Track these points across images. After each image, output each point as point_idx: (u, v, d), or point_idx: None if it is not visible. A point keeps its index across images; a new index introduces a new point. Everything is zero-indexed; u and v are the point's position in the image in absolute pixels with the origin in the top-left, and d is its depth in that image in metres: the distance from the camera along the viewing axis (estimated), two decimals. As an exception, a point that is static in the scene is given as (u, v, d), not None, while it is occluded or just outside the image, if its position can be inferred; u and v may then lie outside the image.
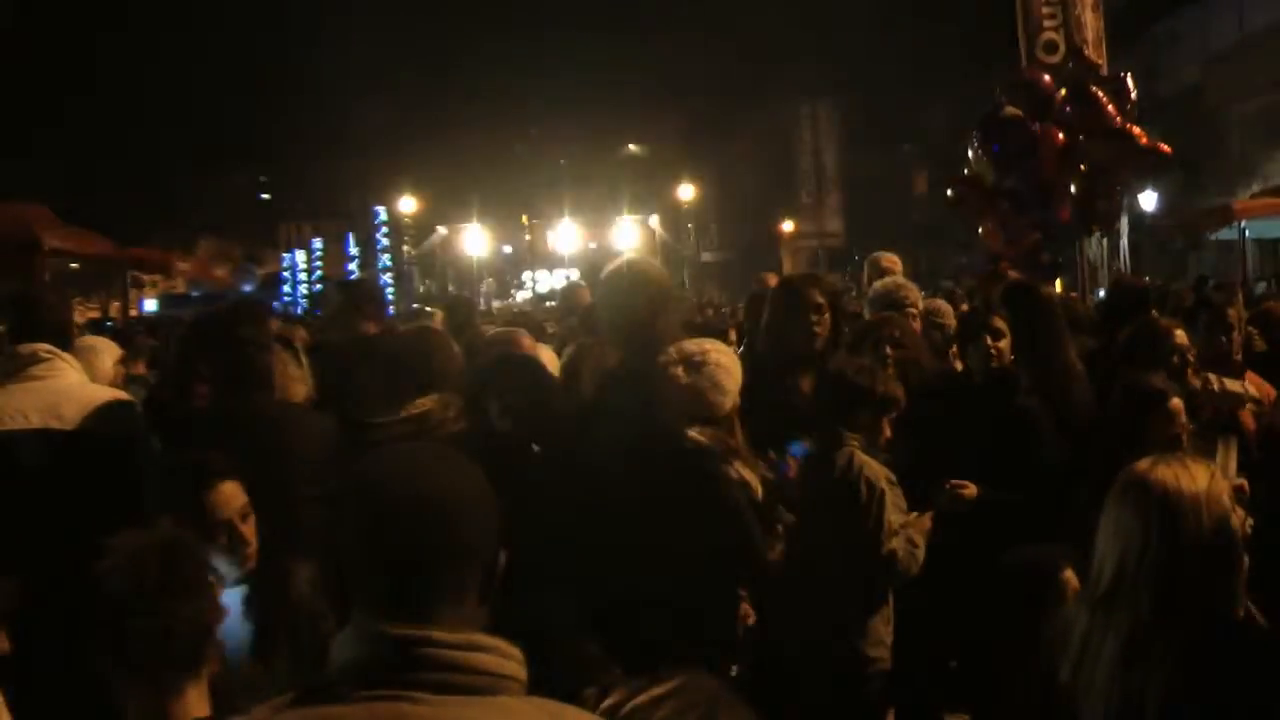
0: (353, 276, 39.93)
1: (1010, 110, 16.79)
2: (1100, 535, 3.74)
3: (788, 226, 58.82)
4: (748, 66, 60.27)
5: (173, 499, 4.43)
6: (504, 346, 7.44)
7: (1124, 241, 32.04)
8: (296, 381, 6.44)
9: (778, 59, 58.58)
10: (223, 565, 4.46)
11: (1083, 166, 16.34)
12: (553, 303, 35.01)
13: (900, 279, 8.50)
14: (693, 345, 5.67)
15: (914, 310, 7.98)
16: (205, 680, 3.35)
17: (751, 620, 5.61)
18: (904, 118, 59.79)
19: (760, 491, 5.69)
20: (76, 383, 6.01)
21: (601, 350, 7.43)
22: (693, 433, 5.45)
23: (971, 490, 6.45)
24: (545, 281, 52.59)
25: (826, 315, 6.89)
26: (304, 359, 6.62)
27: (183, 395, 7.47)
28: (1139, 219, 35.48)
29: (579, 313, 10.03)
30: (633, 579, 5.09)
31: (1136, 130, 16.65)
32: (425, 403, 6.21)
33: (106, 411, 5.90)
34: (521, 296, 44.63)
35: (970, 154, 17.70)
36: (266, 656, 4.44)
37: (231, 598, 4.51)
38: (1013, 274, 11.31)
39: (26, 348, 5.91)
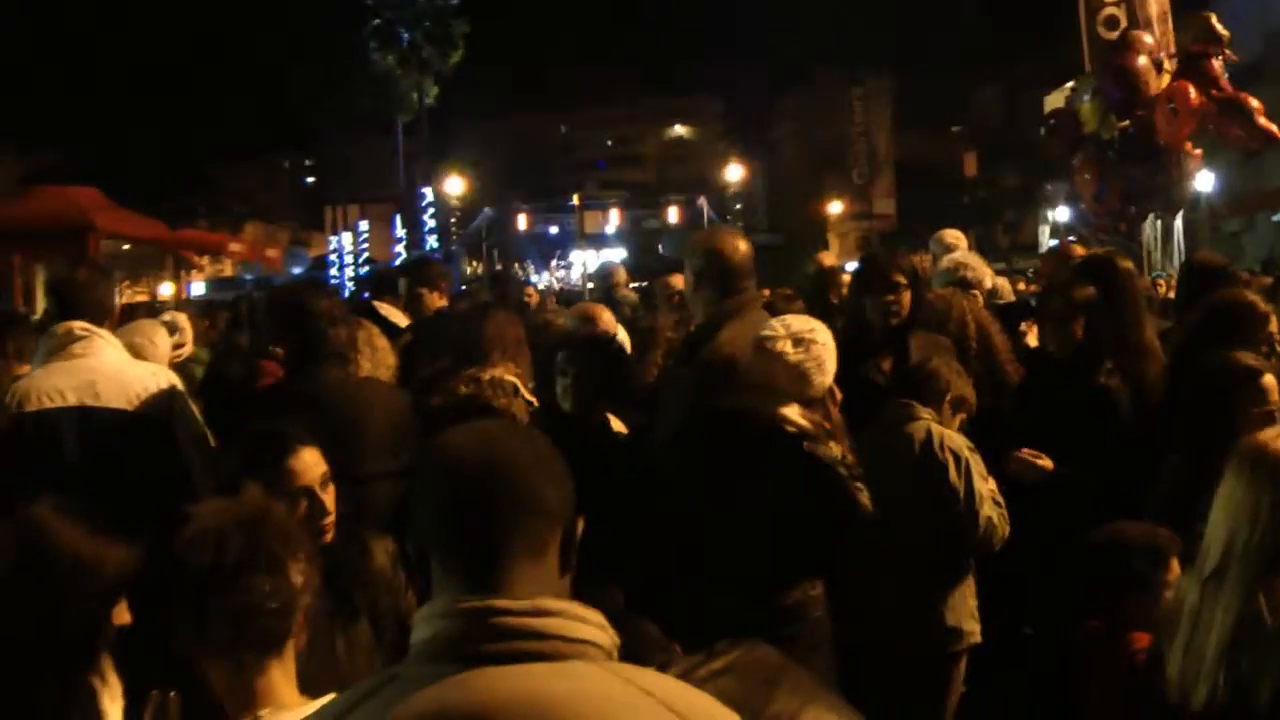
0: (411, 255, 39.82)
1: (1141, 60, 16.60)
2: (1213, 510, 3.60)
3: (835, 208, 58.60)
4: (797, 49, 60.17)
5: (252, 466, 4.24)
6: (582, 324, 7.34)
7: (1178, 222, 31.72)
8: (383, 354, 6.39)
9: (827, 41, 58.48)
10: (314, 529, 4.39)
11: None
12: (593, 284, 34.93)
13: (967, 256, 8.31)
14: (800, 322, 5.51)
15: (978, 291, 7.79)
16: (291, 658, 3.21)
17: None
18: (954, 99, 59.54)
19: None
20: (114, 360, 5.91)
21: (661, 334, 7.35)
22: (790, 411, 5.32)
23: (1047, 463, 6.30)
24: (592, 262, 52.46)
25: (906, 294, 6.71)
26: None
27: (251, 373, 7.44)
28: (1194, 199, 35.07)
29: (617, 293, 10.00)
30: (709, 555, 5.05)
31: (1255, 103, 16.43)
32: (476, 377, 6.22)
33: (144, 388, 5.81)
34: (564, 276, 44.48)
35: (1085, 99, 17.51)
36: (347, 632, 4.38)
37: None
38: (1079, 250, 11.05)
39: (62, 326, 5.84)
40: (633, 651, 3.14)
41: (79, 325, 5.82)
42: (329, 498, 4.33)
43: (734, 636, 3.08)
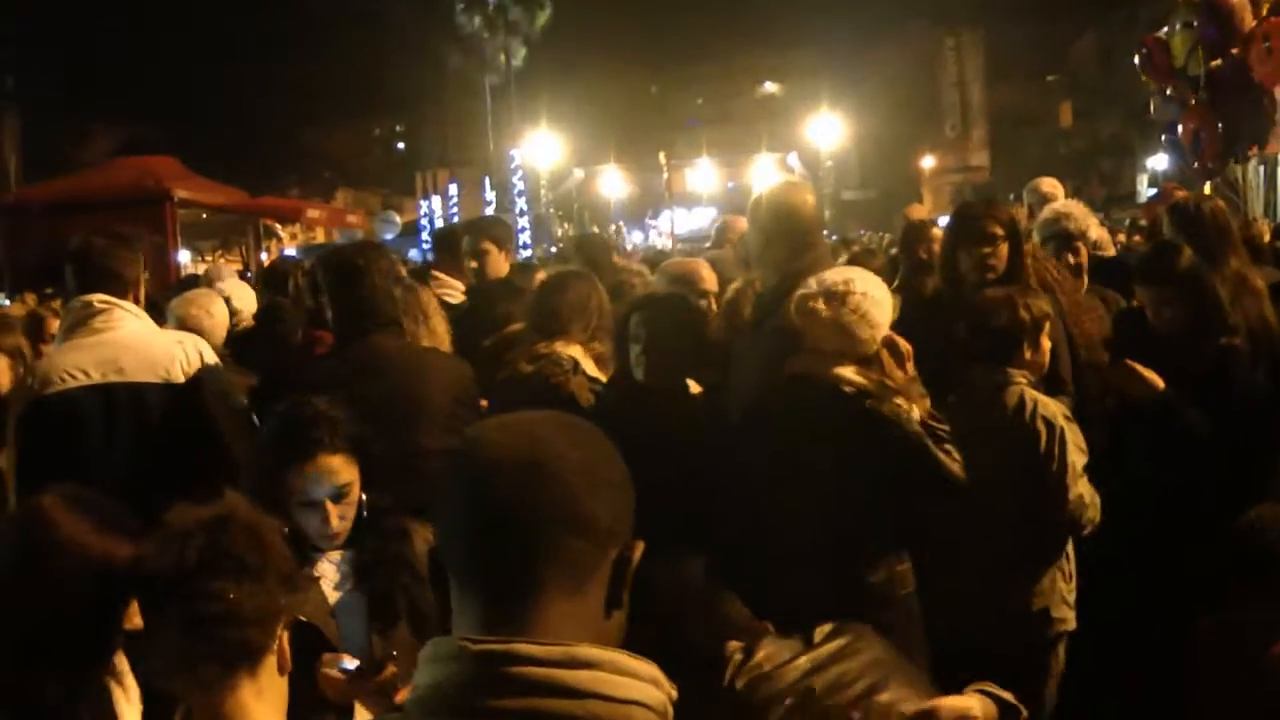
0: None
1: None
2: None
3: (928, 162, 58.04)
4: (889, 1, 59.48)
5: (275, 464, 4.10)
6: (680, 283, 6.92)
7: (1281, 168, 30.98)
8: (437, 320, 6.19)
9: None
10: (319, 537, 4.14)
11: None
12: (683, 245, 34.70)
13: (1069, 205, 7.82)
14: (834, 275, 5.11)
15: (1081, 241, 7.31)
16: (270, 676, 2.86)
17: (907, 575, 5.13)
18: (1048, 49, 58.74)
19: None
20: (137, 331, 5.65)
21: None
22: (845, 371, 4.94)
23: (1156, 379, 5.90)
24: (684, 221, 52.23)
25: (1003, 246, 6.26)
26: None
27: (306, 341, 7.19)
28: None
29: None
30: (783, 536, 4.77)
31: None
32: (542, 352, 5.91)
33: (170, 357, 5.57)
34: (656, 239, 44.20)
35: (1167, 27, 17.00)
36: (385, 626, 4.12)
37: (343, 564, 4.18)
38: (1180, 194, 10.56)
39: (80, 300, 5.59)
40: (719, 632, 2.84)
41: (98, 298, 5.57)
42: (344, 509, 4.11)
43: (817, 616, 2.82)
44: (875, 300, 5.04)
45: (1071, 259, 7.14)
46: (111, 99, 37.35)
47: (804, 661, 2.68)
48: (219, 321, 7.62)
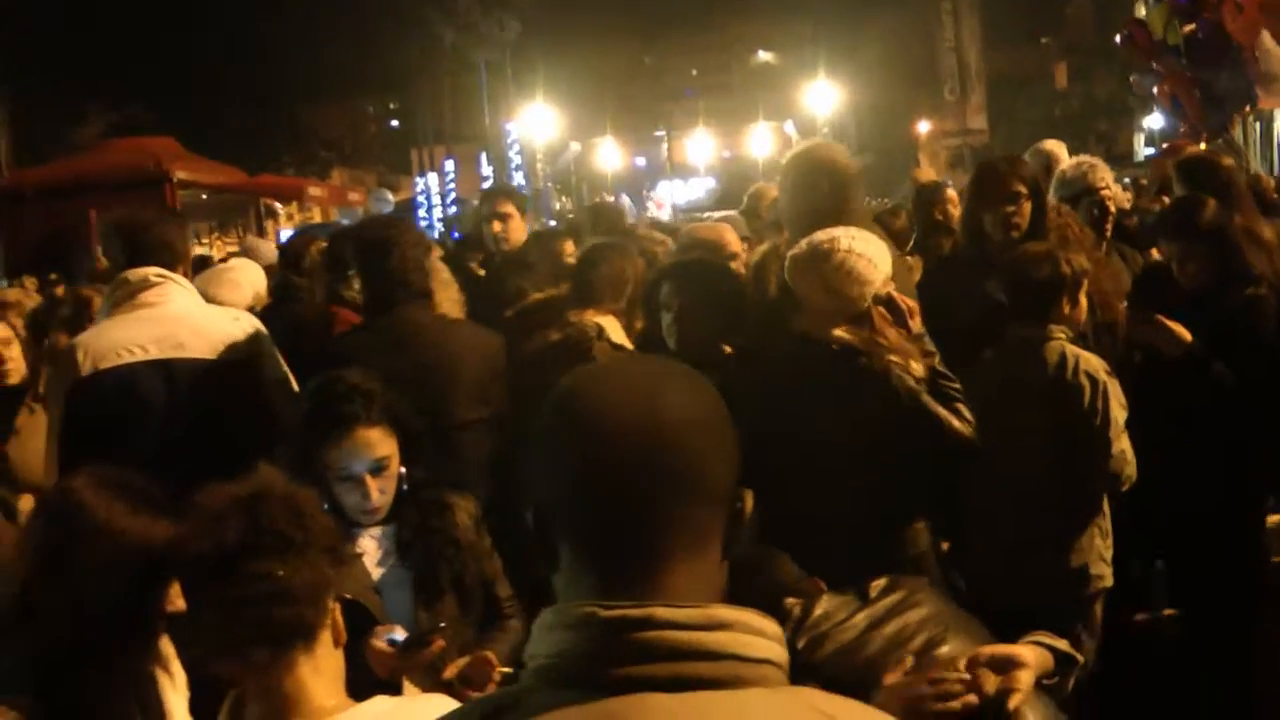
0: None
1: None
2: None
3: (924, 127, 57.97)
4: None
5: (312, 436, 4.08)
6: (705, 248, 6.83)
7: (1278, 124, 30.90)
8: (450, 289, 6.14)
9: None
10: (359, 513, 4.09)
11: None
12: (683, 216, 34.65)
13: (1089, 159, 7.73)
14: (822, 234, 5.04)
15: (1108, 193, 7.24)
16: (328, 652, 2.78)
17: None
18: (1042, 11, 58.63)
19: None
20: (192, 307, 5.60)
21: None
22: (837, 331, 4.89)
23: (1184, 333, 5.85)
24: (681, 192, 52.16)
25: (1026, 204, 6.20)
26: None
27: (324, 318, 7.13)
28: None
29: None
30: (807, 496, 4.63)
31: None
32: (575, 318, 5.83)
33: (227, 334, 5.51)
34: (656, 211, 44.11)
35: (1143, 4, 17.03)
36: (430, 600, 4.11)
37: (385, 539, 4.12)
38: (1191, 149, 10.49)
39: (136, 273, 5.49)
40: (771, 589, 2.80)
41: (154, 271, 5.48)
42: (384, 483, 4.07)
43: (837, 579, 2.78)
44: (862, 256, 4.94)
45: (1096, 213, 7.08)
46: (102, 80, 37.09)
47: (861, 619, 2.66)
48: (246, 296, 7.59)
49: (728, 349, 5.49)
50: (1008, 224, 6.20)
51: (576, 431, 1.77)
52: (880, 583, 2.75)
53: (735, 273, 6.10)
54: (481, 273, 8.10)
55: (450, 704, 2.84)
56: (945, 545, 5.36)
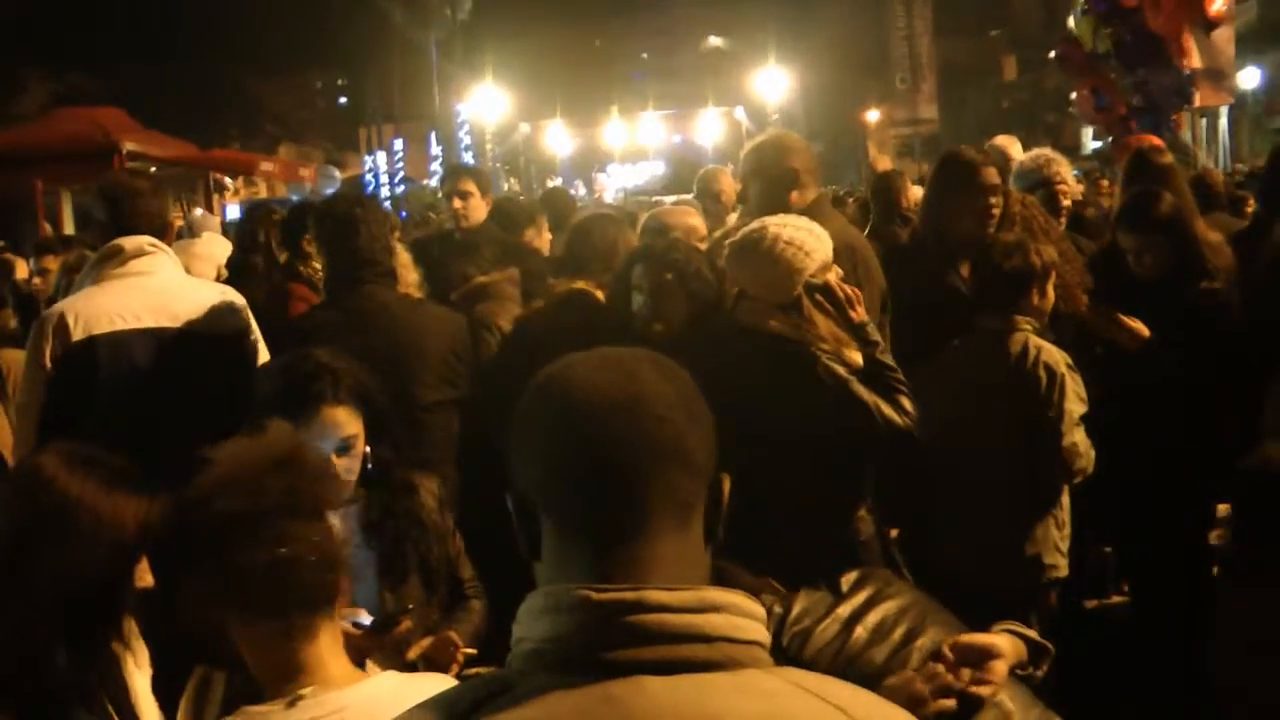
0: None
1: None
2: None
3: (873, 116, 58.16)
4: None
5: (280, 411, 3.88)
6: (672, 231, 6.69)
7: (1224, 120, 31.23)
8: (406, 270, 6.03)
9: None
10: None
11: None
12: (634, 200, 34.60)
13: (1049, 152, 7.78)
14: (756, 222, 5.09)
15: (1064, 187, 7.30)
16: (338, 621, 2.79)
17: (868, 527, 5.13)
18: (991, 3, 58.91)
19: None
20: (182, 279, 5.62)
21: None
22: (772, 321, 4.92)
23: (1141, 327, 5.97)
24: (630, 176, 52.10)
25: (1002, 198, 6.23)
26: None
27: (281, 297, 7.06)
28: (1240, 97, 34.36)
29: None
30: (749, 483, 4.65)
31: None
32: (561, 287, 5.85)
33: (217, 309, 5.51)
34: (610, 194, 44.10)
35: (1072, 18, 17.14)
36: (396, 582, 4.12)
37: (350, 519, 4.10)
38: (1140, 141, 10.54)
39: (131, 241, 5.45)
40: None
41: (147, 241, 5.45)
42: (350, 463, 4.04)
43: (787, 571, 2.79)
44: (792, 244, 4.95)
45: (1052, 205, 7.14)
46: (42, 49, 36.64)
47: (844, 611, 2.66)
48: (212, 272, 7.57)
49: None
50: (986, 215, 6.20)
51: (558, 410, 1.79)
52: (851, 576, 2.78)
53: (709, 257, 6.09)
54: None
55: (450, 683, 2.85)
56: (893, 532, 5.38)
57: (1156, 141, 9.69)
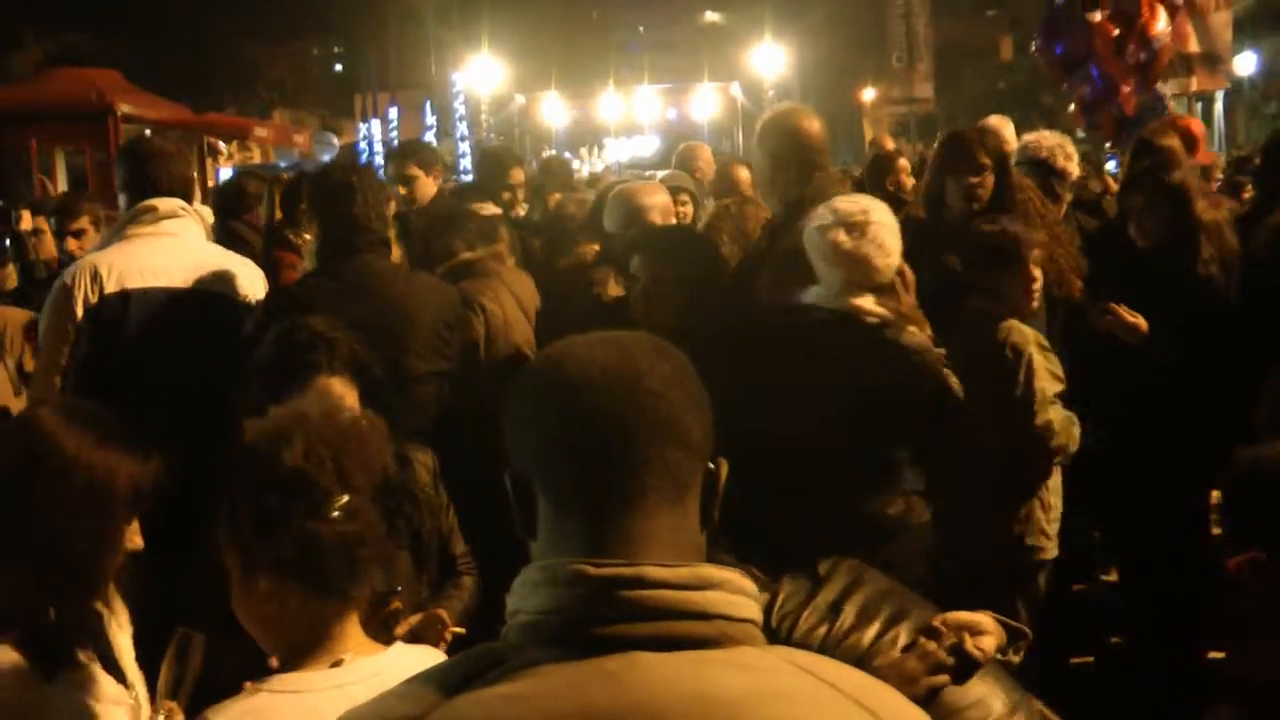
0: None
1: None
2: None
3: (869, 95, 58.03)
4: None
5: (276, 381, 4.01)
6: (646, 212, 6.69)
7: (1219, 106, 31.25)
8: (394, 244, 6.01)
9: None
10: None
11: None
12: (633, 171, 34.51)
13: (1050, 134, 7.78)
14: (849, 204, 5.07)
15: (1067, 166, 7.30)
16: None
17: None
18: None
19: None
20: (209, 245, 5.73)
21: (742, 210, 6.87)
22: (861, 301, 4.91)
23: (1140, 321, 6.00)
24: (625, 149, 51.98)
25: (989, 176, 6.24)
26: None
27: (270, 264, 7.05)
28: (1236, 82, 34.36)
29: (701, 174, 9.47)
30: (797, 467, 4.64)
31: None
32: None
33: (240, 278, 5.64)
34: (602, 164, 43.99)
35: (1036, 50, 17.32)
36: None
37: None
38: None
39: (166, 203, 5.53)
40: None
41: (180, 205, 5.53)
42: None
43: (822, 548, 2.81)
44: (890, 229, 5.03)
45: (1057, 187, 7.16)
46: (40, 6, 36.49)
47: (823, 598, 2.68)
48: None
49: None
50: (970, 195, 6.24)
51: (555, 386, 1.80)
52: (826, 564, 2.80)
53: (711, 245, 6.04)
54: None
55: (439, 656, 2.88)
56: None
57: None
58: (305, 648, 2.67)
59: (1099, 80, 15.89)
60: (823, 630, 2.62)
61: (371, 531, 2.69)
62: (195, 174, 5.64)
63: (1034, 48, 16.98)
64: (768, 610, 2.63)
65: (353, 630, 2.72)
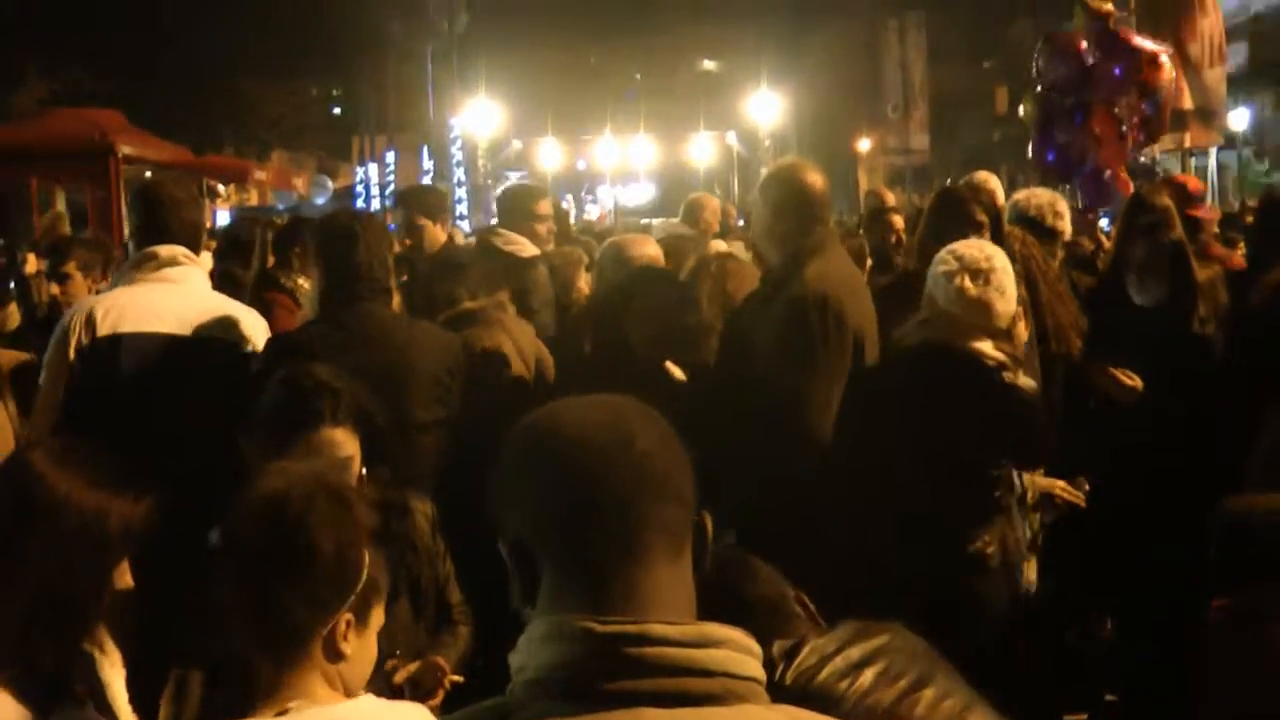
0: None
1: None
2: None
3: (864, 144, 58.15)
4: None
5: (276, 432, 4.01)
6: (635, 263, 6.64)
7: (1212, 162, 31.37)
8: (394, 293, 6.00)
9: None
10: None
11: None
12: (626, 219, 34.66)
13: (1044, 191, 7.81)
14: (973, 251, 5.34)
15: (1061, 223, 7.32)
16: None
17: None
18: (984, 34, 58.97)
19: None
20: (210, 293, 5.75)
21: (724, 267, 6.87)
22: (983, 345, 5.17)
23: (1136, 381, 6.09)
24: (621, 197, 52.10)
25: (987, 234, 6.31)
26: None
27: (265, 304, 7.06)
28: (1229, 137, 34.52)
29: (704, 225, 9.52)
30: (896, 498, 5.02)
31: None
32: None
33: (239, 327, 5.65)
34: (595, 211, 44.03)
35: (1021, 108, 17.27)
36: (386, 606, 4.06)
37: None
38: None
39: (166, 250, 5.58)
40: (763, 624, 2.87)
41: (182, 253, 5.59)
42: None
43: (917, 588, 2.85)
44: (1011, 276, 5.29)
45: (1048, 244, 7.19)
46: (42, 44, 36.60)
47: (855, 653, 2.69)
48: None
49: (677, 371, 5.52)
50: None
51: (550, 451, 1.86)
52: (860, 624, 2.82)
53: (688, 291, 6.08)
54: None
55: (426, 714, 2.91)
56: None
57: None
58: (269, 692, 2.73)
59: (1094, 169, 15.93)
60: (844, 686, 2.63)
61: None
62: (205, 220, 5.69)
63: (1029, 151, 16.89)
64: (790, 654, 2.65)
65: (307, 679, 2.75)
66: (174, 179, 6.44)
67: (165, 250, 5.58)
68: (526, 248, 7.54)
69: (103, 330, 5.41)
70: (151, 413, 5.30)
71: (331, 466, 3.97)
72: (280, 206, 35.14)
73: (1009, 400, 5.09)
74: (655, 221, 12.09)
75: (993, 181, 9.03)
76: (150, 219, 5.69)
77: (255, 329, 5.73)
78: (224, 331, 5.59)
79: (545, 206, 7.90)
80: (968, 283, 5.17)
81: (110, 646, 3.30)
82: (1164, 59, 15.02)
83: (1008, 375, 5.10)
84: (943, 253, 5.38)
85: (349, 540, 2.84)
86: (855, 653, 2.60)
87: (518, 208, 7.86)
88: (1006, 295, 5.22)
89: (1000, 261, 5.26)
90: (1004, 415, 5.08)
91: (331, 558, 2.79)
